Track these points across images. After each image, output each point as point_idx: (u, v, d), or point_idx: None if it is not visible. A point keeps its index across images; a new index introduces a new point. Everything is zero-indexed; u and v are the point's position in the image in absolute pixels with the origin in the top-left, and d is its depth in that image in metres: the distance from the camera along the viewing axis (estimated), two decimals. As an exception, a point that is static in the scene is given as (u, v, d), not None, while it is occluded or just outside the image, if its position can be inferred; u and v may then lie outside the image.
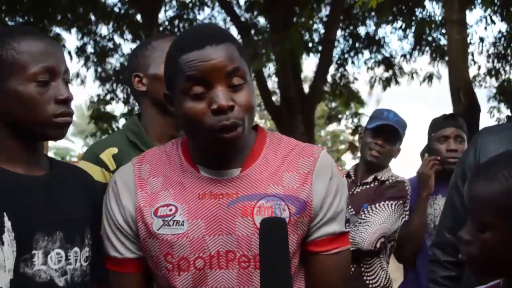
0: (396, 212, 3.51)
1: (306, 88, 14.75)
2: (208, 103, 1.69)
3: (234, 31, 14.58)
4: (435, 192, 3.72)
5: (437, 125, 3.82)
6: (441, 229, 2.58)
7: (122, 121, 15.23)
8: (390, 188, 3.61)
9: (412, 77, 15.33)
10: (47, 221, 1.77)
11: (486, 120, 14.53)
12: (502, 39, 13.31)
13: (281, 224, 1.59)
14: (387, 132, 3.69)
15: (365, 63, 15.73)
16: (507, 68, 13.71)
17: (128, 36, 14.96)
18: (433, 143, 3.77)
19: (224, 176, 1.79)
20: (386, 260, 3.57)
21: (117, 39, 15.13)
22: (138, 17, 14.34)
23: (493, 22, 12.74)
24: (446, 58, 12.33)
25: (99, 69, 15.28)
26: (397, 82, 15.45)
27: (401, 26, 14.28)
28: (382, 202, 3.53)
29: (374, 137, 3.71)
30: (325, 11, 14.78)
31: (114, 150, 2.40)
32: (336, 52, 15.19)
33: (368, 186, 3.69)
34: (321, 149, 1.89)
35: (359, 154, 4.05)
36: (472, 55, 13.80)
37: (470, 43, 13.10)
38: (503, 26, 12.90)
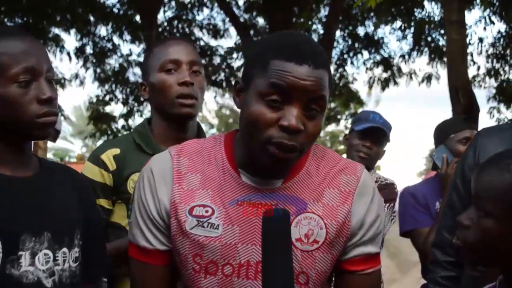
0: (387, 215, 3.53)
1: (305, 88, 14.74)
2: (279, 116, 1.64)
3: (233, 31, 14.62)
4: None
5: (456, 126, 3.76)
6: (440, 229, 2.59)
7: (121, 122, 15.24)
8: (380, 191, 3.62)
9: (411, 78, 15.35)
10: (34, 222, 1.76)
11: (485, 121, 14.55)
12: (501, 39, 13.31)
13: (284, 219, 1.57)
14: (374, 134, 3.70)
15: (364, 63, 15.74)
16: (506, 68, 13.72)
17: (127, 37, 14.98)
18: (454, 145, 3.70)
19: (265, 186, 1.75)
20: None
21: (116, 40, 15.16)
22: (137, 17, 14.34)
23: (492, 22, 12.75)
24: (445, 59, 12.33)
25: (98, 70, 15.29)
26: (395, 83, 15.46)
27: (400, 27, 14.29)
28: None
29: (362, 139, 3.73)
30: (324, 12, 14.79)
31: (116, 151, 2.41)
32: (335, 53, 15.21)
33: None
34: (363, 167, 1.85)
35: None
36: (471, 55, 13.81)
37: (469, 43, 13.11)
38: (502, 27, 12.92)
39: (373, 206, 1.80)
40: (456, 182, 2.53)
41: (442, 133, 3.79)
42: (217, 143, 1.84)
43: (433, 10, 14.24)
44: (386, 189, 3.64)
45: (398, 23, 14.41)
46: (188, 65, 2.45)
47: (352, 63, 15.70)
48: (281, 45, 1.69)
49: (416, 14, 14.15)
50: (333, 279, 1.88)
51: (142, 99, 2.77)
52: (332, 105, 19.60)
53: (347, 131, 4.08)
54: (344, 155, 3.20)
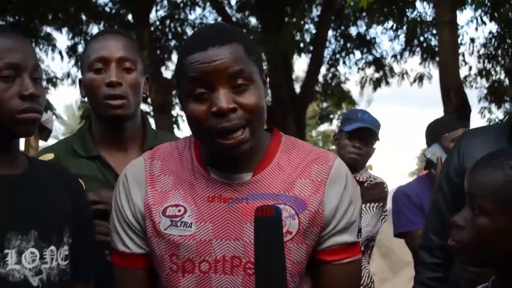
0: (377, 214, 3.54)
1: (297, 88, 14.78)
2: (210, 105, 1.66)
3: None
4: None
5: (450, 125, 3.77)
6: (427, 232, 2.60)
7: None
8: (370, 190, 3.63)
9: (403, 78, 15.36)
10: (20, 220, 1.76)
11: (477, 121, 14.61)
12: (493, 39, 13.33)
13: (277, 222, 1.58)
14: (363, 134, 3.71)
15: (356, 63, 15.75)
16: (498, 68, 13.74)
17: (119, 36, 14.91)
18: (448, 144, 3.67)
19: (235, 180, 1.76)
20: (367, 260, 3.59)
21: (108, 39, 15.06)
22: (129, 17, 14.30)
23: (483, 23, 12.77)
24: (437, 59, 12.35)
25: (90, 69, 15.21)
26: (387, 83, 15.48)
27: (391, 27, 14.30)
28: (363, 205, 3.54)
29: (351, 139, 3.73)
30: (316, 11, 14.79)
31: (50, 156, 2.33)
32: (327, 52, 15.22)
33: None
34: (336, 156, 1.84)
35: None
36: (463, 55, 13.82)
37: (461, 43, 13.12)
38: (493, 27, 12.95)
39: (346, 194, 1.79)
40: (441, 184, 2.54)
41: (436, 132, 3.79)
42: (187, 144, 1.86)
43: (425, 10, 14.26)
44: (375, 189, 3.65)
45: (390, 23, 14.41)
46: (117, 63, 2.32)
47: (344, 63, 15.71)
48: (187, 44, 1.74)
49: (408, 14, 14.16)
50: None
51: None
52: (325, 104, 19.62)
53: (338, 131, 4.09)
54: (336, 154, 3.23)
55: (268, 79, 1.82)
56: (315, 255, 1.80)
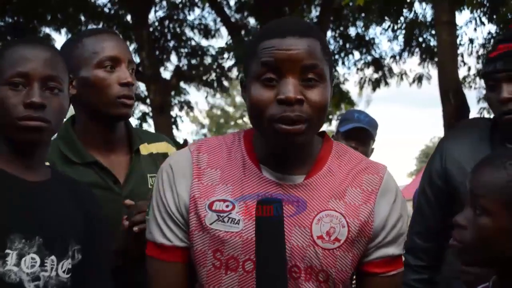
0: None
1: (296, 89, 14.73)
2: (276, 92, 1.65)
3: (224, 31, 14.60)
4: None
5: None
6: (411, 235, 2.60)
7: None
8: None
9: (402, 78, 15.37)
10: (26, 225, 1.76)
11: (475, 121, 14.54)
12: (492, 40, 13.34)
13: (278, 223, 1.57)
14: (359, 134, 3.71)
15: (355, 64, 15.75)
16: (497, 69, 13.71)
17: (118, 36, 14.91)
18: None
19: (287, 181, 1.74)
20: None
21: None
22: (128, 17, 14.31)
23: (482, 23, 12.78)
24: (436, 59, 12.36)
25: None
26: (386, 83, 15.48)
27: (389, 26, 14.30)
28: None
29: (347, 140, 3.73)
30: (315, 12, 14.79)
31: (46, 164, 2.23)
32: (326, 53, 15.19)
33: None
34: (386, 168, 1.84)
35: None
36: (462, 56, 13.84)
37: (460, 44, 13.14)
38: (492, 28, 12.95)
39: (396, 206, 1.79)
40: (424, 187, 2.55)
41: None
42: (237, 139, 1.83)
43: (424, 10, 14.26)
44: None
45: (387, 24, 14.41)
46: (128, 64, 2.30)
47: (343, 63, 15.71)
48: (265, 29, 1.73)
49: (406, 15, 14.17)
50: (354, 281, 1.87)
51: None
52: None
53: (338, 131, 4.09)
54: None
55: (333, 84, 1.81)
56: (362, 267, 1.79)
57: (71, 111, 2.17)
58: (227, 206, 1.72)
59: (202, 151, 1.81)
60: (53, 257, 1.79)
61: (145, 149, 2.42)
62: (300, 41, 1.65)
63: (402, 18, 13.89)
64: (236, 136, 1.85)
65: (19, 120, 1.77)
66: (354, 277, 1.86)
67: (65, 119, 2.06)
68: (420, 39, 14.57)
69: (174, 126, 14.49)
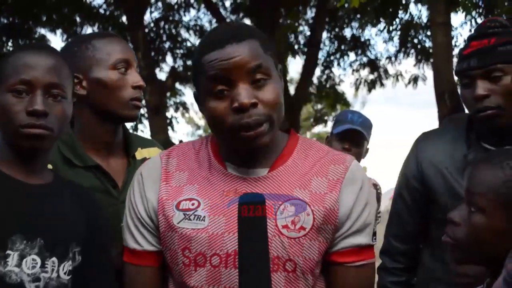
0: None
1: (292, 90, 14.78)
2: (231, 101, 1.68)
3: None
4: None
5: None
6: (388, 237, 2.61)
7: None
8: None
9: (397, 79, 15.39)
10: (28, 226, 1.78)
11: (471, 122, 14.57)
12: (487, 41, 13.34)
13: (261, 220, 1.62)
14: (352, 135, 3.73)
15: (351, 65, 15.76)
16: (492, 70, 13.75)
17: (114, 37, 14.88)
18: None
19: (251, 174, 1.78)
20: None
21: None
22: (124, 18, 14.29)
23: (477, 24, 12.81)
24: (431, 60, 12.37)
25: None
26: (382, 84, 15.50)
27: (384, 27, 14.31)
28: None
29: (341, 142, 3.76)
30: (310, 13, 14.81)
31: (49, 167, 2.18)
32: (321, 54, 15.23)
33: None
34: (353, 159, 1.86)
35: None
36: (457, 57, 13.84)
37: (455, 45, 13.14)
38: (487, 29, 12.95)
39: (362, 196, 1.80)
40: (400, 191, 2.55)
41: None
42: (204, 142, 1.88)
43: (419, 12, 14.29)
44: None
45: (382, 25, 14.42)
46: (136, 68, 2.35)
47: (338, 64, 15.72)
48: (204, 43, 1.76)
49: (402, 16, 14.18)
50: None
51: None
52: (319, 106, 19.63)
53: (333, 133, 4.10)
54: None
55: (282, 74, 1.84)
56: (329, 257, 1.81)
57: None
58: (193, 204, 1.76)
59: (172, 156, 1.87)
60: (54, 259, 1.81)
61: (139, 154, 2.43)
62: (239, 46, 1.68)
63: (397, 20, 13.90)
64: (204, 140, 1.90)
65: (22, 127, 1.79)
66: None
67: None
68: (416, 40, 14.60)
69: (169, 127, 14.49)
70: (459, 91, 2.45)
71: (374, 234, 1.85)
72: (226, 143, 1.79)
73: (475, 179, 1.72)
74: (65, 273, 1.84)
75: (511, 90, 2.26)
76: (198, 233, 1.73)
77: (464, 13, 10.66)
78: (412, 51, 14.82)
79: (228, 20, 14.30)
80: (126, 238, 1.86)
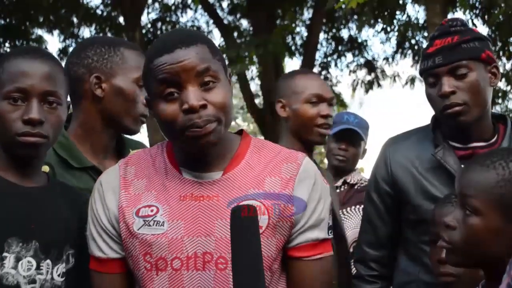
0: None
1: (289, 91, 14.72)
2: (180, 104, 1.73)
3: (217, 33, 14.58)
4: None
5: None
6: (361, 245, 2.62)
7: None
8: (360, 193, 3.65)
9: (395, 80, 15.38)
10: (24, 229, 1.81)
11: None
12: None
13: (253, 219, 1.63)
14: (348, 135, 3.75)
15: (348, 66, 15.75)
16: (489, 71, 13.75)
17: (111, 38, 14.86)
18: None
19: (205, 178, 1.82)
20: None
21: (99, 41, 15.01)
22: (121, 19, 14.28)
23: (474, 25, 12.82)
24: (428, 61, 12.34)
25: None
26: (379, 85, 15.49)
27: (382, 28, 14.32)
28: (353, 207, 3.59)
29: (337, 142, 3.78)
30: (307, 14, 14.80)
31: (46, 168, 2.20)
32: (318, 55, 15.21)
33: (338, 190, 3.73)
34: (304, 156, 1.91)
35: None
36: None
37: (452, 46, 13.13)
38: (484, 29, 12.98)
39: (315, 191, 1.85)
40: (370, 195, 2.56)
41: None
42: (160, 149, 1.91)
43: (416, 12, 14.29)
44: (365, 191, 3.67)
45: (380, 26, 14.43)
46: None
47: (336, 65, 15.71)
48: (153, 48, 1.81)
49: (399, 17, 14.19)
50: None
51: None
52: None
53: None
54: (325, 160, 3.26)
55: (231, 79, 1.89)
56: (287, 252, 1.85)
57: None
58: (152, 211, 1.80)
59: (130, 164, 1.91)
60: (48, 261, 1.84)
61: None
62: (188, 50, 1.74)
63: (394, 21, 13.91)
64: (160, 147, 1.93)
65: (18, 136, 1.82)
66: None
67: None
68: (413, 41, 14.59)
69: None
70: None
71: (330, 228, 1.89)
72: (178, 147, 1.84)
73: (468, 182, 1.73)
74: (59, 275, 1.86)
75: (477, 86, 2.30)
76: (158, 238, 1.78)
77: (462, 11, 10.68)
78: (409, 52, 14.82)
79: (225, 21, 14.31)
80: (91, 246, 1.88)
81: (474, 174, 1.72)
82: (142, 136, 14.78)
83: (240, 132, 1.95)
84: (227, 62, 11.45)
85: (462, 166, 2.25)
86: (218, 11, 14.52)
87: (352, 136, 3.78)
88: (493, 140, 2.41)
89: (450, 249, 1.75)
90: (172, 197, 1.81)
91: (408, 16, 14.01)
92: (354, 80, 15.63)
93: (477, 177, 1.71)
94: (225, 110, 1.78)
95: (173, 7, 14.82)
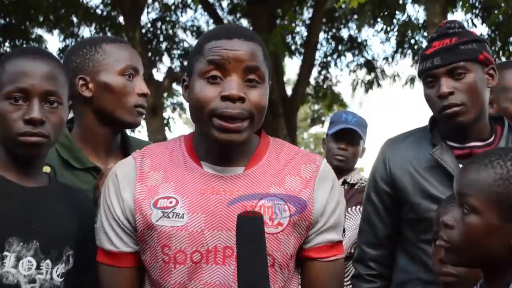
0: None
1: (289, 90, 14.77)
2: (221, 90, 1.74)
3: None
4: None
5: None
6: (360, 245, 2.65)
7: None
8: (360, 193, 3.65)
9: (394, 80, 15.39)
10: (25, 229, 1.80)
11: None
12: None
13: (258, 218, 1.64)
14: (347, 135, 3.75)
15: (348, 65, 15.76)
16: (488, 71, 13.74)
17: (111, 38, 14.85)
18: None
19: (227, 173, 1.82)
20: None
21: (99, 41, 15.02)
22: (121, 19, 14.28)
23: (474, 25, 12.82)
24: (428, 61, 12.32)
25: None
26: (379, 85, 15.50)
27: (382, 28, 14.31)
28: (354, 207, 3.59)
29: (336, 142, 3.78)
30: (307, 14, 14.81)
31: (47, 169, 2.21)
32: (318, 55, 15.22)
33: None
34: (322, 158, 1.92)
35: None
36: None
37: (452, 46, 13.12)
38: (484, 29, 13.01)
39: (334, 193, 1.87)
40: (370, 195, 2.58)
41: None
42: (177, 143, 1.91)
43: (416, 12, 14.29)
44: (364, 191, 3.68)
45: (380, 25, 14.43)
46: (142, 76, 2.39)
47: (335, 65, 15.72)
48: (212, 32, 1.85)
49: (399, 17, 14.19)
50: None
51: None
52: (316, 107, 19.63)
53: (329, 134, 4.11)
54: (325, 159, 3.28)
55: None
56: (303, 253, 1.86)
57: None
58: (170, 202, 1.79)
59: (145, 156, 1.89)
60: (48, 261, 1.84)
61: None
62: (245, 44, 1.77)
63: (394, 20, 13.91)
64: (176, 141, 1.93)
65: (19, 135, 1.82)
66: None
67: None
68: (413, 41, 14.60)
69: (166, 128, 14.47)
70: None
71: (344, 230, 1.92)
72: (201, 137, 1.84)
73: (466, 181, 1.74)
74: (58, 276, 1.86)
75: (474, 87, 2.34)
76: (177, 230, 1.76)
77: (464, 11, 10.68)
78: (409, 51, 14.82)
79: (225, 21, 14.30)
80: (101, 239, 1.87)
81: (472, 173, 1.73)
82: (142, 136, 14.77)
83: (259, 131, 1.94)
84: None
85: (460, 165, 2.27)
86: (218, 10, 14.54)
87: (351, 136, 3.78)
88: (490, 140, 2.44)
89: (448, 248, 1.76)
90: (192, 189, 1.79)
91: (408, 16, 14.01)
92: (354, 80, 15.64)
93: (475, 176, 1.72)
94: (260, 111, 1.78)
95: (173, 7, 14.83)
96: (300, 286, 1.92)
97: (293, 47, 15.01)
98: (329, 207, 1.86)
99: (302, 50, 14.63)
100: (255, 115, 1.77)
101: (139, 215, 1.79)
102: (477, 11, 12.19)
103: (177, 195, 1.79)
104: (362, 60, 15.62)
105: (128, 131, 2.53)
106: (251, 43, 1.78)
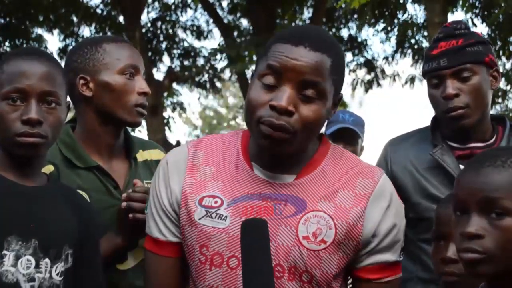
0: None
1: (289, 90, 14.74)
2: (272, 97, 1.66)
3: (217, 32, 14.58)
4: None
5: None
6: None
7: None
8: None
9: (394, 80, 15.38)
10: (24, 227, 1.80)
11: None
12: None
13: (262, 225, 1.61)
14: (345, 134, 3.74)
15: (348, 65, 15.74)
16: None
17: (111, 37, 14.84)
18: None
19: (277, 180, 1.76)
20: None
21: (99, 40, 15.01)
22: (121, 18, 14.28)
23: (474, 25, 12.80)
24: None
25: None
26: (379, 85, 15.49)
27: (383, 28, 14.31)
28: None
29: (335, 142, 3.75)
30: (307, 13, 14.79)
31: (51, 168, 2.21)
32: (318, 54, 15.17)
33: None
34: (383, 173, 1.82)
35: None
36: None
37: (452, 45, 13.11)
38: (484, 29, 12.97)
39: (390, 213, 1.77)
40: None
41: None
42: (235, 138, 1.86)
43: (416, 12, 14.28)
44: None
45: (381, 25, 14.42)
46: (143, 75, 2.39)
47: (335, 64, 15.67)
48: (284, 31, 1.74)
49: (399, 16, 14.19)
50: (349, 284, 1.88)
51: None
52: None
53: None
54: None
55: (339, 102, 1.81)
56: (356, 272, 1.79)
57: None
58: (215, 202, 1.75)
59: (199, 148, 1.84)
60: (47, 260, 1.83)
61: (141, 156, 2.45)
62: (311, 54, 1.65)
63: (395, 20, 13.90)
64: (234, 135, 1.88)
65: (17, 136, 1.81)
66: (350, 280, 1.87)
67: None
68: (413, 41, 14.59)
69: (166, 128, 14.47)
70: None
71: (402, 250, 1.84)
72: (252, 136, 1.78)
73: (491, 185, 1.62)
74: (57, 274, 1.85)
75: (479, 89, 2.34)
76: (218, 232, 1.72)
77: (464, 10, 10.67)
78: (409, 51, 14.82)
79: (225, 20, 14.31)
80: (150, 226, 1.85)
81: (494, 176, 1.63)
82: (142, 135, 14.77)
83: (320, 137, 1.86)
84: (226, 62, 11.44)
85: (461, 166, 2.27)
86: (218, 10, 14.53)
87: (349, 135, 3.78)
88: (492, 141, 2.44)
89: (483, 259, 1.62)
90: (240, 192, 1.74)
91: (410, 16, 14.01)
92: (354, 80, 15.63)
93: (499, 178, 1.62)
94: (307, 128, 1.68)
95: (173, 6, 14.82)
96: None
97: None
98: (384, 227, 1.75)
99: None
100: (299, 131, 1.66)
101: (184, 209, 1.77)
102: (477, 11, 12.18)
103: (223, 196, 1.74)
104: (362, 59, 15.61)
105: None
106: (318, 53, 1.65)
